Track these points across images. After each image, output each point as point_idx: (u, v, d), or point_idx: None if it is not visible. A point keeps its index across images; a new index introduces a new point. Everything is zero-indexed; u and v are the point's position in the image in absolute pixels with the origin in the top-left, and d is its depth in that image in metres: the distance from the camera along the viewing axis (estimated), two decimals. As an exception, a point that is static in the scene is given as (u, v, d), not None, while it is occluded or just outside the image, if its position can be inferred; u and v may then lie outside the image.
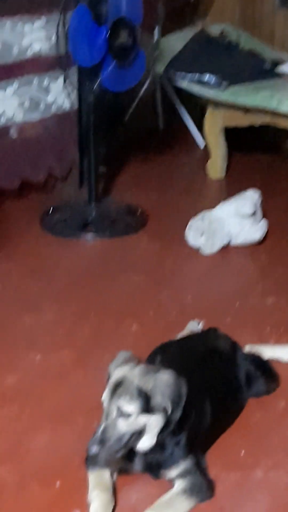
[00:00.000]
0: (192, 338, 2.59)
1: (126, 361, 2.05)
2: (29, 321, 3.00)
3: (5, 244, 3.62)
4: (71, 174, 4.25)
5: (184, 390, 1.97)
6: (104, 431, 1.94)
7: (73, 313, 3.07)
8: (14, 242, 3.66)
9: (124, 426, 1.96)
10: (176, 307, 3.10)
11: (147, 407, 1.96)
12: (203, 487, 2.04)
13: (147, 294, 3.22)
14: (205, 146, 4.72)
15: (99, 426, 1.97)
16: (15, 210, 4.02)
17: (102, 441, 1.93)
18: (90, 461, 2.08)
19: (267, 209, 3.77)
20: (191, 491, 2.02)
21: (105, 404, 1.99)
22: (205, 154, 4.66)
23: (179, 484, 2.04)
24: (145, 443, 2.01)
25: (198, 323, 2.84)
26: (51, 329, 2.95)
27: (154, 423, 1.99)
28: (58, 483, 2.11)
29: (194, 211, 3.68)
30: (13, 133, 3.83)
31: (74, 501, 2.03)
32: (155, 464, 2.06)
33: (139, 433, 1.99)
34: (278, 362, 2.63)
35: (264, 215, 3.70)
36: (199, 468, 2.07)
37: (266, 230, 3.64)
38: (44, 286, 3.29)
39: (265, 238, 3.65)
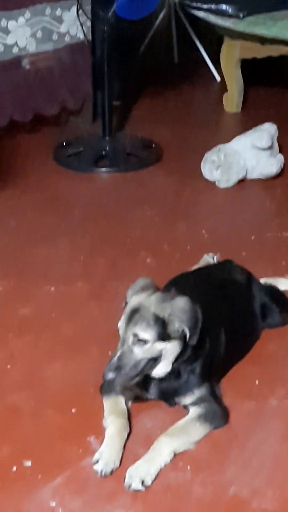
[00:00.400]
0: (207, 269, 2.58)
1: (143, 288, 2.04)
2: (43, 254, 3.00)
3: (19, 178, 3.60)
4: (85, 107, 4.19)
5: (200, 316, 1.97)
6: (120, 358, 1.95)
7: (88, 246, 3.06)
8: (28, 177, 3.64)
9: (140, 353, 1.96)
10: (191, 241, 3.08)
11: (163, 334, 1.96)
12: (217, 414, 2.06)
13: (162, 228, 3.21)
14: (222, 80, 4.63)
15: (114, 352, 1.98)
16: (28, 144, 3.99)
17: (118, 368, 1.94)
18: (106, 387, 2.11)
19: (284, 144, 3.72)
20: (205, 418, 2.03)
21: (121, 331, 1.99)
22: (222, 87, 4.58)
23: (194, 411, 2.06)
24: (161, 370, 2.02)
25: (213, 257, 2.82)
26: (65, 262, 2.95)
27: (170, 350, 1.99)
28: (73, 409, 2.14)
29: (210, 145, 3.63)
30: (26, 64, 3.76)
31: (89, 427, 2.06)
32: (170, 391, 2.07)
33: (155, 360, 1.99)
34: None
35: (281, 150, 3.65)
36: (214, 396, 2.08)
37: (283, 164, 3.59)
38: (58, 220, 3.27)
39: (281, 172, 3.60)
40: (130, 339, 1.96)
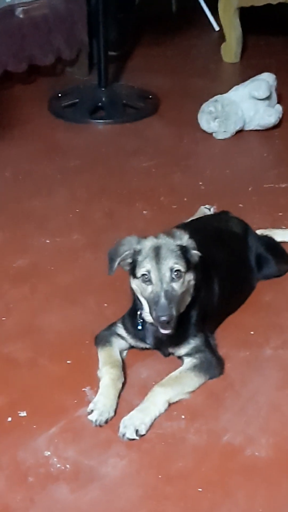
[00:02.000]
0: (203, 219, 2.56)
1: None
2: (39, 205, 2.98)
3: (14, 129, 3.56)
4: (81, 57, 4.12)
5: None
6: (167, 297, 1.91)
7: (84, 197, 3.04)
8: (23, 128, 3.59)
9: (179, 288, 1.95)
10: (188, 192, 3.05)
11: (189, 263, 1.98)
12: (212, 364, 2.06)
13: (158, 179, 3.18)
14: (220, 29, 4.54)
15: (154, 294, 1.92)
16: (23, 96, 3.93)
17: (170, 306, 1.91)
18: (100, 338, 2.12)
19: (283, 94, 3.66)
20: (200, 368, 2.04)
21: (153, 271, 1.94)
22: (220, 37, 4.49)
23: (189, 362, 2.06)
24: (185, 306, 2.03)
25: (210, 208, 2.80)
26: (61, 213, 2.93)
27: (192, 282, 2.01)
28: (69, 360, 2.14)
29: (208, 95, 3.57)
30: (19, 13, 3.69)
31: (85, 378, 2.06)
32: (165, 340, 2.07)
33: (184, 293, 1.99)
34: (290, 244, 2.61)
35: (280, 100, 3.59)
36: (209, 346, 2.09)
37: (281, 115, 3.54)
38: (54, 171, 3.24)
39: (280, 123, 3.55)
40: (167, 275, 1.94)
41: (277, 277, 2.47)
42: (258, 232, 2.56)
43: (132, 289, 2.04)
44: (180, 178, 3.19)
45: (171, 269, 1.94)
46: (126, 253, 2.00)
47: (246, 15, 4.33)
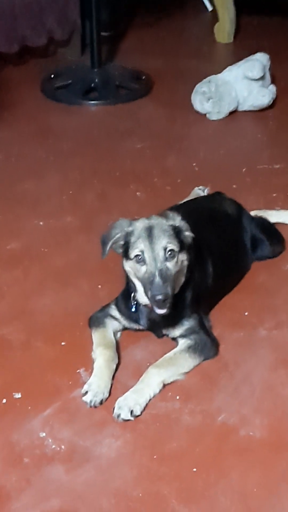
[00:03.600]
0: (197, 201, 2.54)
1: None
2: (31, 188, 2.96)
3: (6, 111, 3.53)
4: (73, 38, 4.09)
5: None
6: (161, 276, 1.91)
7: (77, 180, 3.02)
8: (15, 109, 3.57)
9: (173, 267, 1.95)
10: (182, 173, 3.04)
11: (182, 243, 1.97)
12: (206, 345, 2.06)
13: (152, 160, 3.16)
14: (213, 10, 4.51)
15: (148, 274, 1.92)
16: (15, 77, 3.90)
17: (165, 285, 1.90)
18: (95, 319, 2.12)
19: (276, 75, 3.65)
20: (194, 349, 2.04)
21: (146, 250, 1.94)
22: (213, 17, 4.46)
23: (183, 343, 2.06)
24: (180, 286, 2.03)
25: (204, 190, 2.79)
26: (54, 196, 2.91)
27: (185, 262, 2.00)
28: (63, 342, 2.14)
29: (201, 76, 3.55)
30: (11, -7, 3.65)
31: (79, 360, 2.06)
32: (159, 322, 2.07)
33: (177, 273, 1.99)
34: (284, 225, 2.60)
35: (273, 81, 3.57)
36: (203, 327, 2.09)
37: (275, 95, 3.52)
38: (47, 153, 3.23)
39: (274, 104, 3.54)
40: (161, 254, 1.93)
41: (271, 258, 2.47)
42: (252, 213, 2.56)
43: (125, 272, 2.04)
44: (173, 159, 3.17)
45: (165, 249, 1.94)
46: (118, 235, 1.99)
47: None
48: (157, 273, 1.91)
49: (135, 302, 2.05)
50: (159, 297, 1.89)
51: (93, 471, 1.75)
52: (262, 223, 2.49)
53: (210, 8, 4.71)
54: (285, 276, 2.41)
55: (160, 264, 1.92)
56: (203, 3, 4.79)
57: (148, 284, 1.92)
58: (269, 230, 2.49)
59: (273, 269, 2.44)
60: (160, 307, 1.92)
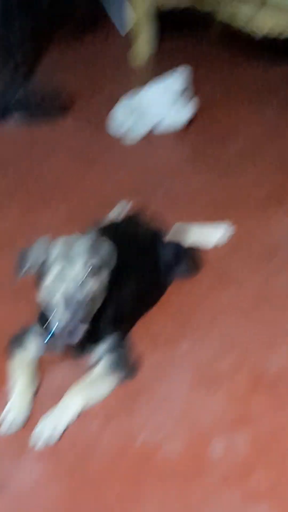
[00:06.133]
0: (112, 226, 2.51)
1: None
2: None
3: None
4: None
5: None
6: (72, 305, 1.90)
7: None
8: None
9: (90, 286, 1.95)
10: (103, 190, 3.04)
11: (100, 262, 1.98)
12: (126, 365, 2.05)
13: (74, 178, 3.15)
14: (129, 32, 4.50)
15: (64, 296, 1.92)
16: None
17: (76, 314, 1.91)
18: (13, 342, 2.09)
19: (195, 91, 3.68)
20: (115, 369, 2.02)
21: (64, 271, 1.93)
22: (130, 37, 4.46)
23: (103, 364, 2.04)
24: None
25: (127, 203, 2.81)
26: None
27: (103, 283, 2.01)
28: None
29: (121, 95, 3.57)
30: None
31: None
32: (78, 344, 2.04)
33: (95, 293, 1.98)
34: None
35: (192, 97, 3.61)
36: (123, 347, 2.08)
37: (195, 111, 3.55)
38: None
39: (194, 120, 3.56)
40: (81, 273, 1.93)
41: (187, 278, 2.47)
42: (175, 226, 2.59)
43: (41, 298, 2.00)
44: (95, 176, 3.16)
45: (83, 266, 1.93)
46: (36, 256, 1.97)
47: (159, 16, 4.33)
48: (68, 299, 1.91)
49: (50, 329, 2.01)
50: (68, 328, 1.91)
51: (7, 500, 1.71)
52: (177, 248, 2.47)
53: (125, 30, 4.68)
54: (202, 294, 2.42)
55: (77, 283, 1.92)
56: (121, 25, 4.76)
57: (59, 312, 1.92)
58: (184, 255, 2.47)
59: (188, 288, 2.43)
60: (71, 338, 1.92)
